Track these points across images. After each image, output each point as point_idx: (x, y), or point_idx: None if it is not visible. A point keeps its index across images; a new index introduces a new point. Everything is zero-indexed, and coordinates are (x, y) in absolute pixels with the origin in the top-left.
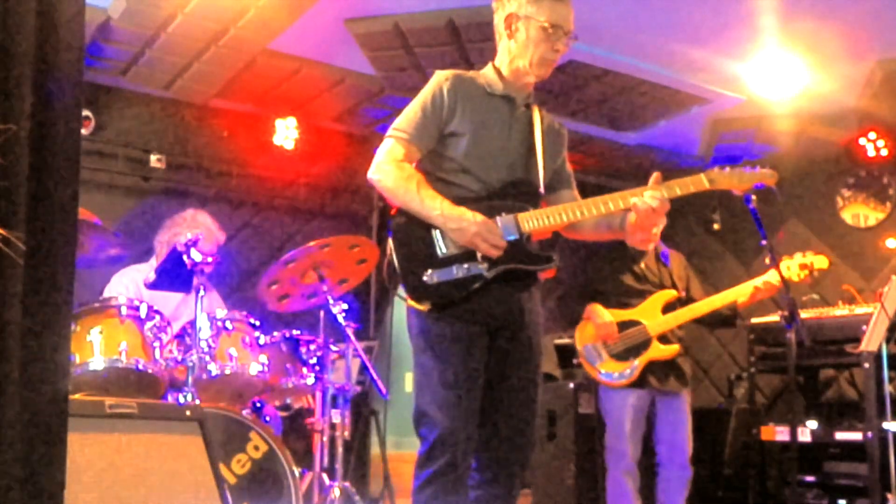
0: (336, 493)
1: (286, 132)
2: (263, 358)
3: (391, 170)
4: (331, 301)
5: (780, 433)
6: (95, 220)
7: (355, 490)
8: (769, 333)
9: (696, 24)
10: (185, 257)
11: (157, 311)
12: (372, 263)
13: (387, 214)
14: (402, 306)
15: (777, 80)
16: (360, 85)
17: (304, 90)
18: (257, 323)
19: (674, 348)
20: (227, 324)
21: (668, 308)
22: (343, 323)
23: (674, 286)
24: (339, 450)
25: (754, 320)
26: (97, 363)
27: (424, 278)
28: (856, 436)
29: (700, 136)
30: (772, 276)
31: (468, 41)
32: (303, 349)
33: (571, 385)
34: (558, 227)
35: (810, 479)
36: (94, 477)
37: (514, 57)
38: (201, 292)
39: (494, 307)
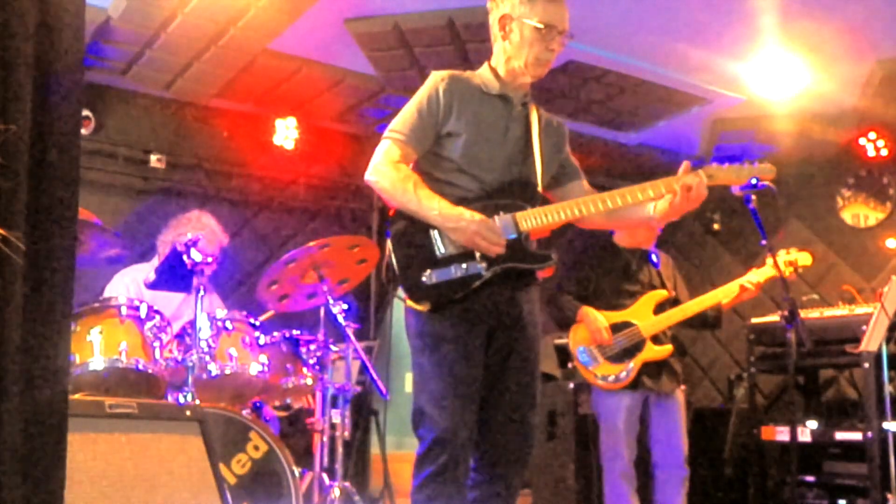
0: (336, 493)
1: (286, 132)
2: (263, 358)
3: (388, 171)
4: (331, 301)
5: (780, 433)
6: (95, 220)
7: (355, 490)
8: (769, 333)
9: (696, 24)
10: (185, 257)
11: (157, 311)
12: (372, 263)
13: (386, 215)
14: (401, 306)
15: (777, 80)
16: (360, 85)
17: (304, 90)
18: (257, 323)
19: (667, 348)
20: (227, 324)
21: (660, 308)
22: (343, 323)
23: (663, 286)
24: (339, 450)
25: (754, 320)
26: (97, 363)
27: (423, 278)
28: (856, 436)
29: (700, 136)
30: (754, 277)
31: (468, 41)
32: (303, 349)
33: (571, 385)
34: (557, 225)
35: (810, 479)
36: (94, 477)
37: (510, 58)
38: (201, 292)
39: (493, 307)
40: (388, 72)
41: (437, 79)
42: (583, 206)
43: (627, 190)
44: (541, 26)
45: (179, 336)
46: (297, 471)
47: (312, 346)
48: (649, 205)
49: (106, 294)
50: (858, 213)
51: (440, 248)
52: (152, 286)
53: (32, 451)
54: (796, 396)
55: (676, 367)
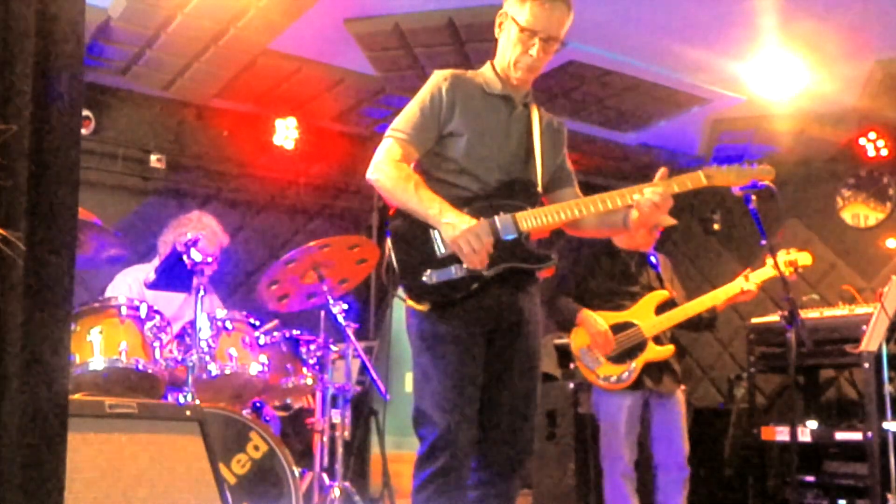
0: (336, 493)
1: (286, 132)
2: (263, 358)
3: (389, 170)
4: (331, 301)
5: (780, 433)
6: (95, 220)
7: (355, 490)
8: (769, 333)
9: (696, 24)
10: (185, 257)
11: (157, 311)
12: (372, 263)
13: (386, 214)
14: (401, 306)
15: (777, 80)
16: (360, 85)
17: (304, 90)
18: (257, 323)
19: (669, 348)
20: (227, 324)
21: (661, 309)
22: (343, 323)
23: (662, 287)
24: (339, 450)
25: (754, 320)
26: (97, 363)
27: (423, 278)
28: (856, 436)
29: (700, 136)
30: (754, 278)
31: (468, 41)
32: (303, 349)
33: (571, 385)
34: (557, 225)
35: (810, 479)
36: (94, 477)
37: (499, 56)
38: (201, 292)
39: (493, 307)
40: (388, 72)
41: (439, 78)
42: (582, 206)
43: (627, 190)
44: (520, 28)
45: (179, 336)
46: (297, 471)
47: (312, 346)
48: (626, 213)
49: (108, 293)
50: (858, 213)
51: (440, 248)
52: (152, 286)
53: (32, 451)
54: (796, 396)
55: (676, 367)
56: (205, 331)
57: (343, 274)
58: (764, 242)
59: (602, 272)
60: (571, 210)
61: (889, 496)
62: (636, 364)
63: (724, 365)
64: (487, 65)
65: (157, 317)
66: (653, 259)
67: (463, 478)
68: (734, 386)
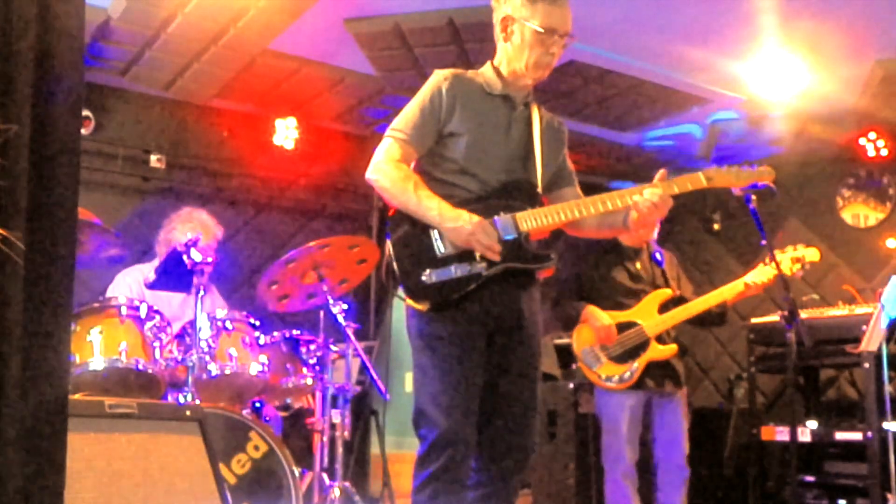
0: (336, 493)
1: (286, 132)
2: (263, 358)
3: (389, 170)
4: (331, 301)
5: (780, 433)
6: (95, 220)
7: (355, 490)
8: (769, 333)
9: (696, 24)
10: (185, 257)
11: (157, 311)
12: (372, 263)
13: (386, 214)
14: (401, 306)
15: (777, 80)
16: (360, 85)
17: (304, 90)
18: (257, 323)
19: (672, 348)
20: (227, 324)
21: (664, 308)
22: (343, 323)
23: (667, 285)
24: (339, 450)
25: (754, 320)
26: (97, 363)
27: (423, 278)
28: (856, 436)
29: (700, 136)
30: (759, 275)
31: (468, 41)
32: (303, 349)
33: (571, 385)
34: (556, 226)
35: (810, 479)
36: (94, 477)
37: (510, 59)
38: (201, 292)
39: (493, 307)
40: (388, 72)
41: (439, 77)
42: (582, 207)
43: (627, 191)
44: (541, 30)
45: (179, 336)
46: (297, 471)
47: (312, 346)
48: (626, 213)
49: (109, 293)
50: (858, 213)
51: (440, 248)
52: (152, 286)
53: (32, 451)
54: (796, 396)
55: (679, 368)
56: (205, 331)
57: (343, 274)
58: (764, 242)
59: (608, 270)
60: (571, 211)
61: (889, 496)
62: (638, 364)
63: (724, 365)
64: (487, 65)
65: (157, 317)
66: (658, 256)
67: (463, 478)
68: (734, 386)
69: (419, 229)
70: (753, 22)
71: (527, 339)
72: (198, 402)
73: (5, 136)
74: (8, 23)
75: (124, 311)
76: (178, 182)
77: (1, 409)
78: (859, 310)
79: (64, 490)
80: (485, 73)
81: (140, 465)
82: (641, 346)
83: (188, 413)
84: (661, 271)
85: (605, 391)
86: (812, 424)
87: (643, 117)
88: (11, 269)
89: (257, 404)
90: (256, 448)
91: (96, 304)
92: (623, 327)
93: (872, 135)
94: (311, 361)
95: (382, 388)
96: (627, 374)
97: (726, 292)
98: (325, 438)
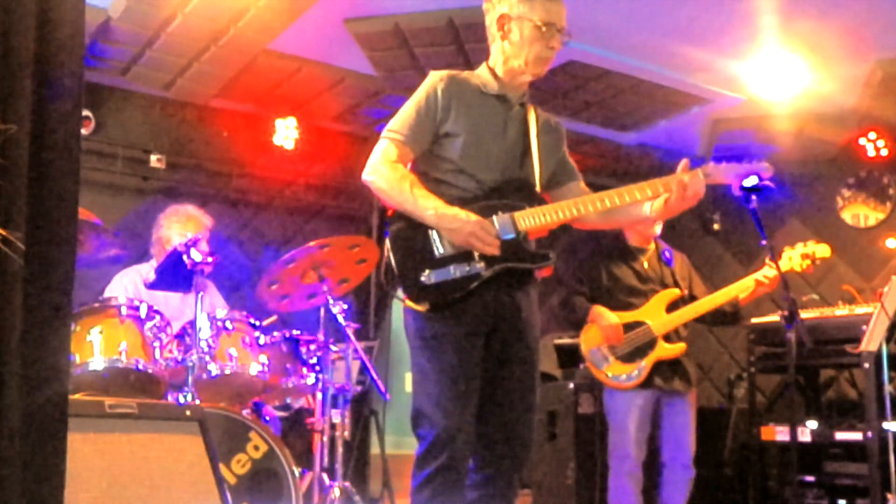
0: (336, 493)
1: (286, 132)
2: (263, 358)
3: (385, 171)
4: (331, 301)
5: (780, 433)
6: (95, 220)
7: (355, 490)
8: (769, 333)
9: (696, 24)
10: (184, 257)
11: (157, 311)
12: (372, 263)
13: (386, 215)
14: (401, 306)
15: (777, 80)
16: (360, 85)
17: (304, 90)
18: (257, 323)
19: (680, 347)
20: (227, 324)
21: (672, 307)
22: (343, 323)
23: (676, 285)
24: (339, 450)
25: (754, 320)
26: (97, 363)
27: (422, 279)
28: (856, 436)
29: (700, 136)
30: (769, 272)
31: (468, 41)
32: (303, 349)
33: (571, 385)
34: (555, 225)
35: (810, 479)
36: (94, 477)
37: (509, 57)
38: (201, 292)
39: (491, 307)
40: (388, 72)
41: (435, 79)
42: (581, 205)
43: (625, 189)
44: (541, 24)
45: (179, 336)
46: (297, 471)
47: (312, 346)
48: (645, 204)
49: (106, 294)
50: (858, 213)
51: (439, 249)
52: (152, 286)
53: (32, 451)
54: (796, 396)
55: (689, 368)
56: (205, 331)
57: (343, 274)
58: (764, 242)
59: (615, 270)
60: (570, 209)
61: (889, 496)
62: (646, 363)
63: (724, 365)
64: (483, 66)
65: (157, 317)
66: (667, 255)
67: (462, 477)
68: (734, 386)
69: (417, 230)
70: (753, 22)
71: (525, 339)
72: (198, 402)
73: (5, 136)
74: (8, 22)
75: (124, 311)
76: (178, 182)
77: (1, 409)
78: (859, 310)
79: (64, 490)
80: (481, 73)
81: (140, 465)
82: (649, 345)
83: (188, 413)
84: (671, 271)
85: (614, 390)
86: (812, 424)
87: (643, 117)
88: (11, 269)
89: (257, 404)
90: (256, 448)
91: (96, 304)
92: (630, 327)
93: (872, 135)
94: (312, 361)
95: (382, 388)
96: (635, 373)
97: (734, 290)
98: (325, 438)
